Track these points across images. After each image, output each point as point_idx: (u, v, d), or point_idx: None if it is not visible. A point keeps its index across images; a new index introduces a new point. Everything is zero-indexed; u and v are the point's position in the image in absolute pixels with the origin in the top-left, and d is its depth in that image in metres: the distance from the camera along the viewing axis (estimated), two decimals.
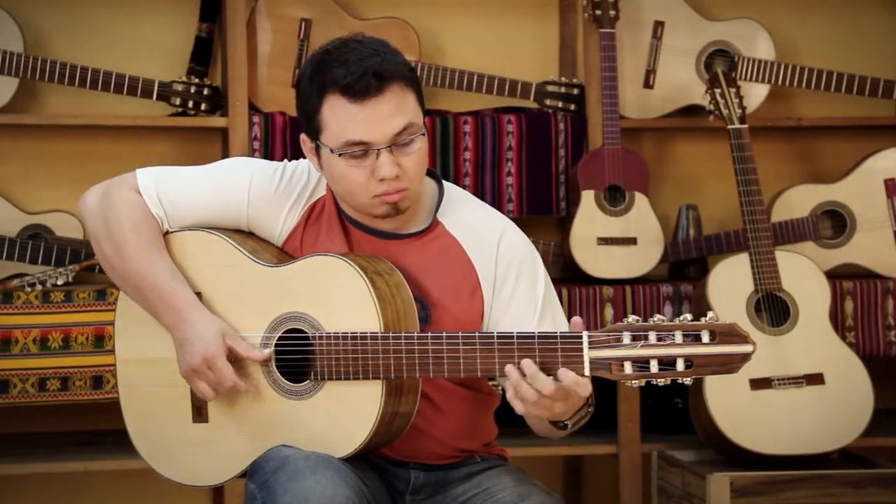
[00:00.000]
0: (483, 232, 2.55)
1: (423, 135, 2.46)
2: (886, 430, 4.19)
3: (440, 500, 2.56)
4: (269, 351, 2.47)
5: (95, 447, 4.05)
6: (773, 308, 3.96)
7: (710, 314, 2.29)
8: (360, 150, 2.43)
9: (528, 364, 2.32)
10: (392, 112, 2.42)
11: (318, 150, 2.48)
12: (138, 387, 2.59)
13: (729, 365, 2.27)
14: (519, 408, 2.35)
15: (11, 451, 4.02)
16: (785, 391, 3.91)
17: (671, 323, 2.28)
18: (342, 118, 2.42)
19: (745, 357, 2.27)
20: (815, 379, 3.94)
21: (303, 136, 2.52)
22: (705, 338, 2.27)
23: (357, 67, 2.40)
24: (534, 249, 2.59)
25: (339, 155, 2.43)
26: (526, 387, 2.31)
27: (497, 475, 2.56)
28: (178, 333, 2.49)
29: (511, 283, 2.53)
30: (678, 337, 2.27)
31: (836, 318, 4.12)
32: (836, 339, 4.00)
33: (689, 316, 2.29)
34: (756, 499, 3.82)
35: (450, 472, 2.58)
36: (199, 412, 2.53)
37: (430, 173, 2.59)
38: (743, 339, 2.27)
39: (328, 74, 2.42)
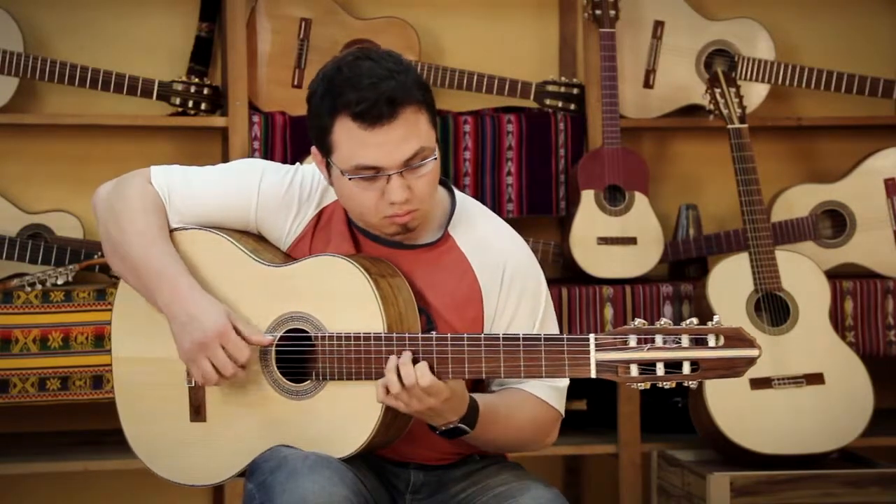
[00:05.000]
0: (492, 250, 2.54)
1: (435, 159, 2.44)
2: (886, 430, 4.19)
3: (440, 498, 2.56)
4: (271, 338, 2.45)
5: (95, 447, 4.04)
6: (773, 308, 3.96)
7: (715, 318, 2.30)
8: (371, 174, 2.41)
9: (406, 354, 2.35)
10: (404, 138, 2.39)
11: (328, 166, 2.47)
12: (134, 386, 2.58)
13: (734, 369, 2.28)
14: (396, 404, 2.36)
15: (11, 451, 4.02)
16: (785, 391, 3.91)
17: (677, 326, 2.29)
18: (353, 143, 2.39)
19: (751, 361, 2.28)
20: (815, 379, 3.93)
21: (314, 149, 2.49)
22: (711, 341, 2.28)
23: (370, 93, 2.36)
24: (540, 272, 2.58)
25: (350, 178, 2.42)
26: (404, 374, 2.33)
27: (496, 471, 2.57)
28: (179, 311, 2.45)
29: (513, 306, 2.52)
30: (684, 340, 2.28)
31: (836, 318, 4.12)
32: (836, 338, 4.00)
33: (695, 320, 2.30)
34: (756, 498, 3.82)
35: (449, 471, 2.58)
36: (197, 411, 2.52)
37: (443, 184, 2.57)
38: (749, 343, 2.28)
39: (340, 97, 2.39)
